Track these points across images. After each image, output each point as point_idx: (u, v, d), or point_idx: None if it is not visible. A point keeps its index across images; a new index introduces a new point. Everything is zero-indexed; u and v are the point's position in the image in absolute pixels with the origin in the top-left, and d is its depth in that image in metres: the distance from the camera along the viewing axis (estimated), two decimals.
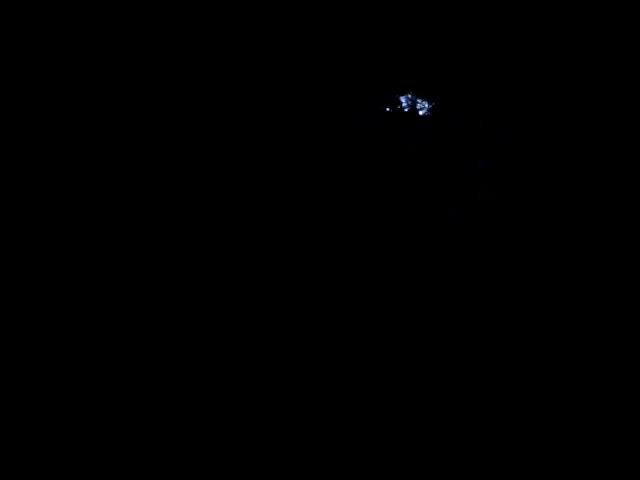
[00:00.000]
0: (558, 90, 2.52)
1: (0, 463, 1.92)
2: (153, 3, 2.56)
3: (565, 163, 2.44)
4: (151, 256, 2.29)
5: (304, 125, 2.51)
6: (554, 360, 2.16)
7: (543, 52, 2.54)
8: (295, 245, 2.33)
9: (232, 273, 2.28)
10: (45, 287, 2.21)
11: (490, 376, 2.13)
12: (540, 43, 2.54)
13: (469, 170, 2.45)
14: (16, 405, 2.02)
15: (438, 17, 2.57)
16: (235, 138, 2.50)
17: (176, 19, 2.58)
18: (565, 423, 2.06)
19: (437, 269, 2.30)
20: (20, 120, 2.46)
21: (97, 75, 2.53)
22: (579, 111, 2.50)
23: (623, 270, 2.28)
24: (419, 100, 2.47)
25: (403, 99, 2.43)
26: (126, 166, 2.42)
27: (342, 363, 2.15)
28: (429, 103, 2.49)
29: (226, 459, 1.99)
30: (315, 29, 2.58)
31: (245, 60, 2.59)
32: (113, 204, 2.36)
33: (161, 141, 2.48)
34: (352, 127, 2.51)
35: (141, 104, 2.51)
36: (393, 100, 2.51)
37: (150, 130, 2.49)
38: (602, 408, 2.08)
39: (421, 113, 2.48)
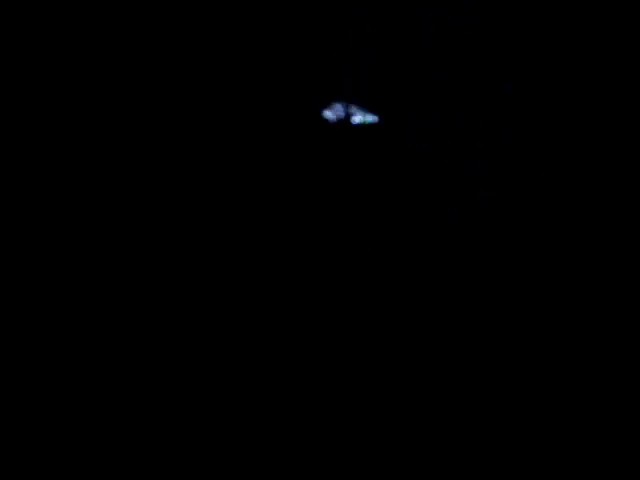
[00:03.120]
0: (558, 90, 2.52)
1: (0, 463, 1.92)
2: (153, 3, 2.57)
3: (565, 163, 2.45)
4: (150, 256, 2.29)
5: (304, 125, 2.51)
6: (554, 360, 2.16)
7: (543, 52, 2.54)
8: (295, 245, 2.33)
9: (232, 272, 2.28)
10: (45, 286, 2.21)
11: (490, 376, 2.13)
12: (540, 43, 2.55)
13: (469, 170, 2.45)
14: (16, 405, 2.02)
15: (438, 18, 2.57)
16: (234, 139, 2.50)
17: (176, 19, 2.59)
18: (565, 423, 2.06)
19: (437, 269, 2.30)
20: (20, 120, 2.46)
21: (97, 75, 2.53)
22: (579, 111, 2.50)
23: (623, 270, 2.28)
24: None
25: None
26: (125, 166, 2.42)
27: (342, 363, 2.14)
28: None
29: (226, 459, 1.99)
30: (313, 30, 2.58)
31: (244, 60, 2.59)
32: (112, 204, 2.36)
33: (160, 141, 2.48)
34: (352, 127, 2.51)
35: (140, 104, 2.52)
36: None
37: (149, 130, 2.49)
38: (603, 408, 2.08)
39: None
